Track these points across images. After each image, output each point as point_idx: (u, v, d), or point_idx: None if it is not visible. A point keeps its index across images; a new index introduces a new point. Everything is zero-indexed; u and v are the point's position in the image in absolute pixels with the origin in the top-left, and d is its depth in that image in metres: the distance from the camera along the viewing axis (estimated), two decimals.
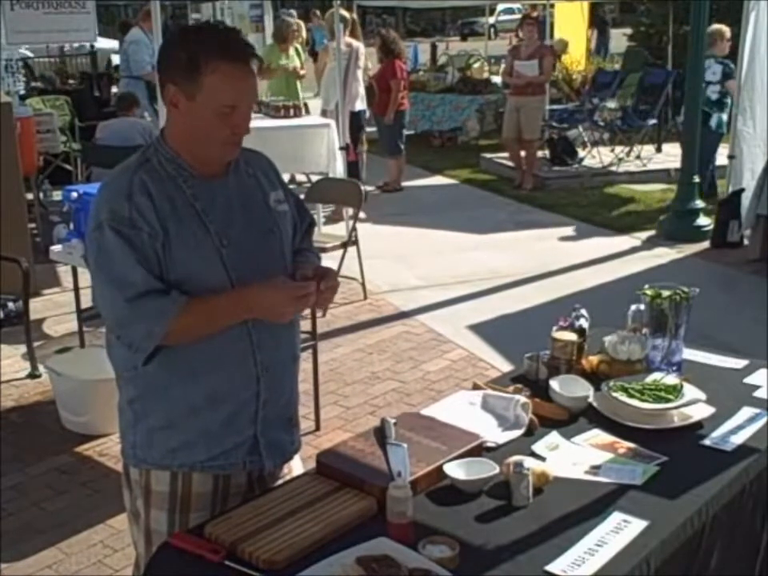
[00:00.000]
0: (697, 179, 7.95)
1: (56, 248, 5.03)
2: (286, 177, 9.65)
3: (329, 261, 5.49)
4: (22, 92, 10.12)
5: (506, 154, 10.67)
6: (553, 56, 9.96)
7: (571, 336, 2.76)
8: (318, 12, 17.91)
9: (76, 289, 5.11)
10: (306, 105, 9.45)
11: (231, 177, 2.13)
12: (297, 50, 10.05)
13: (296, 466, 2.35)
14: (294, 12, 10.65)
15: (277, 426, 2.21)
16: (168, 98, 2.02)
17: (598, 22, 16.74)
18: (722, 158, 8.66)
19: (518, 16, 23.69)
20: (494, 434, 2.41)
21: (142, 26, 9.69)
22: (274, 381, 2.16)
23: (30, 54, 13.62)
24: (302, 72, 9.89)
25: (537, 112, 9.93)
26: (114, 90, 11.30)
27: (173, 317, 1.96)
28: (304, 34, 13.44)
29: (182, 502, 2.14)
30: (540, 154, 10.97)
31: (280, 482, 2.26)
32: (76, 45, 12.21)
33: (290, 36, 9.77)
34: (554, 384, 2.60)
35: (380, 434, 2.24)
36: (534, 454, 2.29)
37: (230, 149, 2.07)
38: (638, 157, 10.78)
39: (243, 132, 2.05)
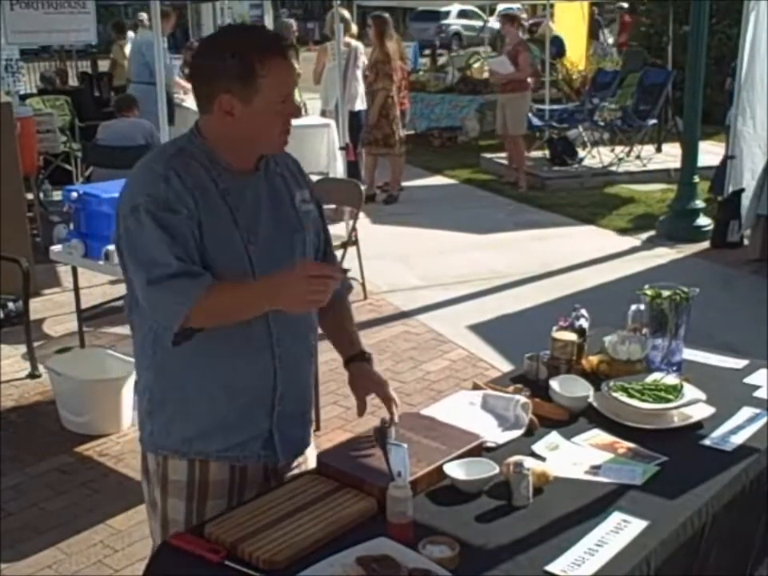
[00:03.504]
0: (697, 179, 7.96)
1: (56, 248, 5.03)
2: None
3: None
4: (23, 91, 10.13)
5: (505, 154, 10.71)
6: (527, 51, 9.96)
7: (571, 336, 2.76)
8: None
9: (76, 289, 5.11)
10: (305, 105, 9.46)
11: (261, 174, 2.15)
12: (295, 48, 10.09)
13: (310, 459, 2.35)
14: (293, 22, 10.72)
15: (292, 421, 2.22)
16: (220, 108, 2.02)
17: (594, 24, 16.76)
18: (719, 157, 8.66)
19: None
20: (493, 434, 2.41)
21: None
22: (290, 375, 2.18)
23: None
24: (298, 71, 9.92)
25: (519, 108, 9.91)
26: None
27: (196, 298, 1.95)
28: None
29: (200, 490, 2.15)
30: (540, 153, 10.99)
31: (296, 471, 2.27)
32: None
33: (289, 38, 9.84)
34: (554, 384, 2.60)
35: (380, 434, 2.24)
36: (533, 454, 2.29)
37: (284, 138, 2.11)
38: (638, 157, 10.78)
39: (294, 117, 2.11)
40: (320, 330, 2.36)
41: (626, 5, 16.94)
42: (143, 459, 2.26)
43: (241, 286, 2.04)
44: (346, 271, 2.04)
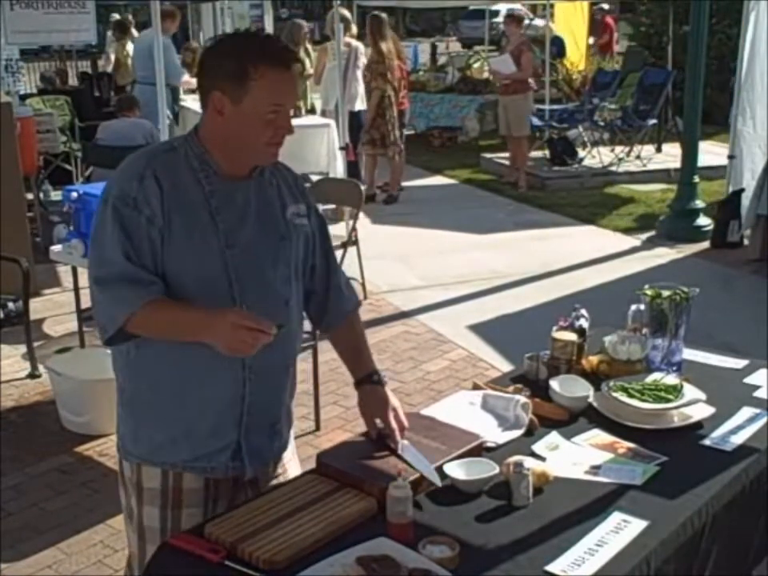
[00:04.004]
0: (697, 179, 7.96)
1: (56, 248, 5.03)
2: None
3: None
4: (23, 91, 10.13)
5: (506, 154, 10.71)
6: (530, 51, 9.96)
7: (571, 336, 2.76)
8: None
9: (76, 289, 5.11)
10: (312, 104, 9.47)
11: (253, 182, 2.14)
12: (307, 50, 10.09)
13: (292, 467, 2.34)
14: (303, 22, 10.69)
15: (260, 432, 2.19)
16: (213, 105, 2.05)
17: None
18: (721, 158, 8.66)
19: None
20: (494, 434, 2.41)
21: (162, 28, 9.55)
22: (261, 386, 2.14)
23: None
24: (309, 71, 9.93)
25: (522, 109, 9.89)
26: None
27: (134, 309, 1.98)
28: None
29: (174, 498, 2.14)
30: (540, 153, 10.99)
31: (274, 482, 2.26)
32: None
33: (301, 39, 9.85)
34: (554, 384, 2.60)
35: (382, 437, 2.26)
36: (533, 454, 2.29)
37: (272, 150, 2.09)
38: (638, 157, 10.78)
39: (286, 132, 2.09)
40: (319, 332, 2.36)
41: (606, 6, 16.90)
42: (120, 466, 2.25)
43: (178, 311, 2.03)
44: (281, 327, 1.99)
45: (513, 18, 10.21)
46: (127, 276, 1.99)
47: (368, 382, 2.34)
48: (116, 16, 10.76)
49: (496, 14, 27.44)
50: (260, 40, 2.10)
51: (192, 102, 9.15)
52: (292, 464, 2.36)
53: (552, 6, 14.24)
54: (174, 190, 2.02)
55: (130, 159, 2.10)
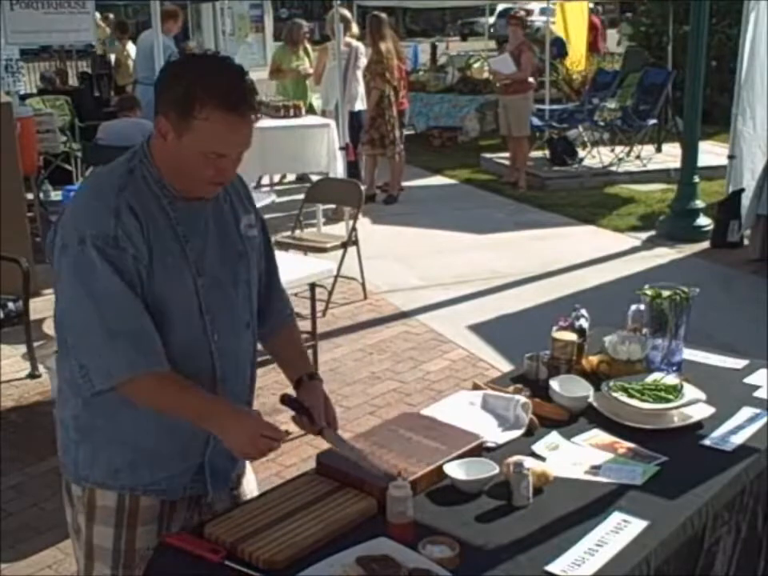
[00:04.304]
0: (697, 179, 7.96)
1: None
2: (290, 177, 9.71)
3: (329, 261, 5.51)
4: (23, 91, 10.12)
5: (506, 154, 10.71)
6: (530, 51, 9.96)
7: (571, 336, 2.76)
8: None
9: None
10: (311, 103, 9.46)
11: (209, 203, 2.06)
12: (306, 50, 10.09)
13: (249, 482, 2.31)
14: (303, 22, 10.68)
15: (224, 455, 2.12)
16: (157, 127, 1.93)
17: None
18: (721, 158, 8.66)
19: None
20: (494, 434, 2.41)
21: (162, 28, 9.47)
22: None
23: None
24: (309, 71, 9.93)
25: (522, 109, 9.90)
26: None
27: (135, 374, 1.89)
28: None
29: (130, 516, 2.06)
30: (540, 153, 10.99)
31: (228, 501, 2.21)
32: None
33: (300, 38, 9.87)
34: (554, 384, 2.60)
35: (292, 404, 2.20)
36: (533, 454, 2.29)
37: (211, 188, 2.00)
38: (638, 157, 10.78)
39: (228, 178, 2.00)
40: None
41: (592, 5, 16.91)
42: (66, 485, 2.15)
43: (191, 394, 1.96)
44: (288, 433, 1.99)
45: (515, 17, 10.21)
46: (129, 327, 1.88)
47: (310, 378, 2.27)
48: (97, 16, 10.61)
49: (531, 13, 28.80)
50: (219, 74, 1.90)
51: None
52: (249, 480, 2.32)
53: (553, 5, 14.25)
54: (149, 221, 1.93)
55: (96, 189, 1.96)
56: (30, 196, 7.30)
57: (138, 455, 2.05)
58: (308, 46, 10.28)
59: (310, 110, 9.60)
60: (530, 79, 9.92)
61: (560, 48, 15.17)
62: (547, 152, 10.86)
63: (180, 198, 1.99)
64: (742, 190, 7.57)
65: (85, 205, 1.95)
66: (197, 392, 1.98)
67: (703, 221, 7.90)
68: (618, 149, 10.83)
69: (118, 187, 1.93)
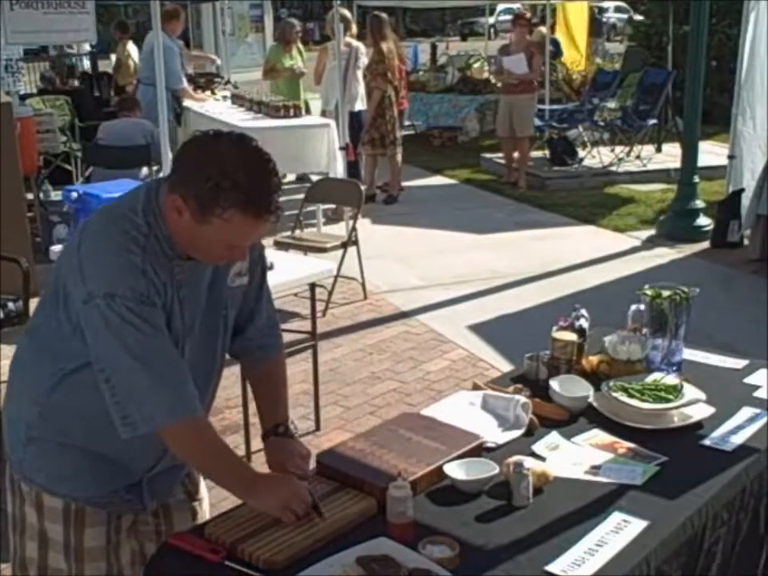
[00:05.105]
0: (697, 179, 7.96)
1: (56, 248, 5.02)
2: (290, 177, 9.71)
3: (329, 261, 5.50)
4: (23, 91, 10.12)
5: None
6: (540, 53, 9.98)
7: (571, 336, 2.76)
8: None
9: None
10: (306, 104, 9.46)
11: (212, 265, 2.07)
12: (299, 49, 10.11)
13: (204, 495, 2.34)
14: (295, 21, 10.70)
15: (166, 474, 2.14)
16: (173, 203, 1.89)
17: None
18: (721, 158, 8.67)
19: None
20: (494, 434, 2.41)
21: (166, 29, 9.24)
22: None
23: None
24: (303, 70, 9.94)
25: (528, 110, 9.94)
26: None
27: (175, 421, 1.90)
28: None
29: (77, 519, 2.07)
30: (540, 153, 10.99)
31: (192, 503, 2.27)
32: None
33: (293, 37, 9.91)
34: (554, 384, 2.60)
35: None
36: (533, 454, 2.29)
37: (221, 262, 2.03)
38: (638, 157, 10.78)
39: (240, 259, 2.04)
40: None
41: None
42: (11, 476, 2.13)
43: (226, 455, 2.03)
44: (321, 514, 2.02)
45: (524, 19, 10.20)
46: (171, 372, 1.91)
47: (273, 433, 2.23)
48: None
49: (606, 10, 29.83)
50: (246, 175, 1.83)
51: (194, 103, 9.16)
52: (203, 491, 2.34)
53: (552, 5, 14.24)
54: (165, 279, 1.94)
55: (117, 245, 1.88)
56: (30, 196, 7.31)
57: (83, 471, 2.05)
58: (300, 45, 10.30)
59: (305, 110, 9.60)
60: (534, 82, 9.95)
61: (556, 48, 15.15)
62: (547, 152, 10.86)
63: (184, 257, 1.98)
64: (742, 189, 7.57)
65: (110, 263, 1.89)
66: (232, 456, 2.07)
67: (703, 221, 7.90)
68: (618, 149, 10.83)
69: (142, 248, 1.89)
